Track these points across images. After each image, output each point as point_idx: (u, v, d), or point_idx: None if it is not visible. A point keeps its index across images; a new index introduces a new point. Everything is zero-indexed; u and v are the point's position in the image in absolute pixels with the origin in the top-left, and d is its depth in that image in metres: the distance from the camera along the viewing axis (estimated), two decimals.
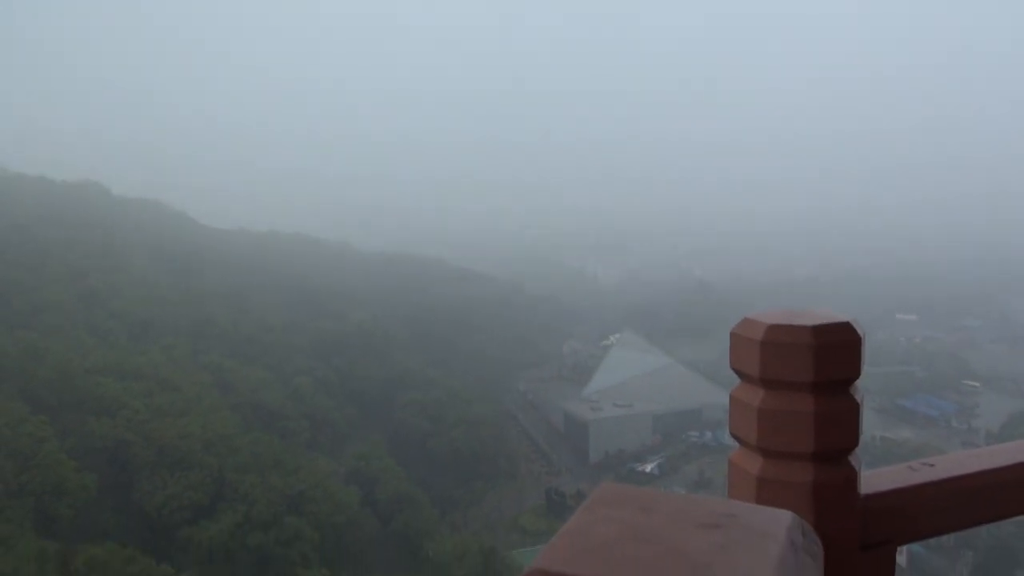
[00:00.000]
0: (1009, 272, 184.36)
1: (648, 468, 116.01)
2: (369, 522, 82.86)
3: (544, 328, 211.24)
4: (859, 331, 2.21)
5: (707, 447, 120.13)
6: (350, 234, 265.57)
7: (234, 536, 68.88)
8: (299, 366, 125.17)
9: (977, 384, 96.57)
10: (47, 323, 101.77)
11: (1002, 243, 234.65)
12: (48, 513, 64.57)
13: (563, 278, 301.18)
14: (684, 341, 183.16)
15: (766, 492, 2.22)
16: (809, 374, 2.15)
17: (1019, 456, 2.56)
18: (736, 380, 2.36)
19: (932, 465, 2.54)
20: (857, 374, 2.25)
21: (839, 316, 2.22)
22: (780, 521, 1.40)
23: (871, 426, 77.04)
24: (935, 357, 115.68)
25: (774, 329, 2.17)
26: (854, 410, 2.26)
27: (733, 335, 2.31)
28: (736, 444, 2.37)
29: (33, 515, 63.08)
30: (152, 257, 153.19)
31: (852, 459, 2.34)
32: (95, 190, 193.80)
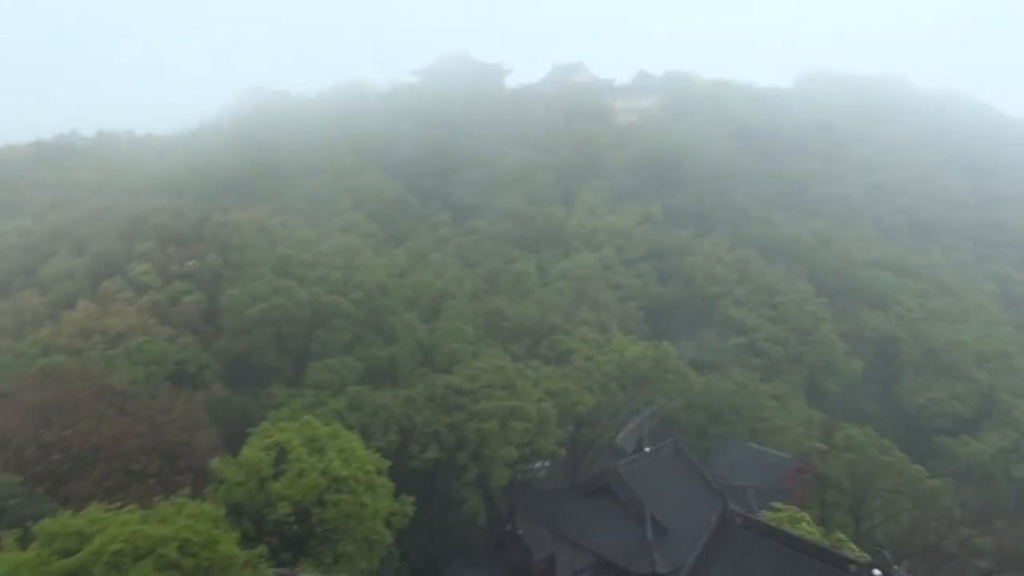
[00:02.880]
0: None
1: None
2: None
3: None
4: None
5: None
6: None
7: (996, 460, 63.66)
8: None
9: None
10: (835, 214, 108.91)
11: None
12: (818, 386, 71.29)
13: None
14: None
15: None
16: None
17: None
18: None
19: None
20: None
21: None
22: None
23: None
24: None
25: None
26: None
27: None
28: None
29: (806, 384, 70.62)
30: (944, 153, 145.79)
31: None
32: (895, 84, 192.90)
